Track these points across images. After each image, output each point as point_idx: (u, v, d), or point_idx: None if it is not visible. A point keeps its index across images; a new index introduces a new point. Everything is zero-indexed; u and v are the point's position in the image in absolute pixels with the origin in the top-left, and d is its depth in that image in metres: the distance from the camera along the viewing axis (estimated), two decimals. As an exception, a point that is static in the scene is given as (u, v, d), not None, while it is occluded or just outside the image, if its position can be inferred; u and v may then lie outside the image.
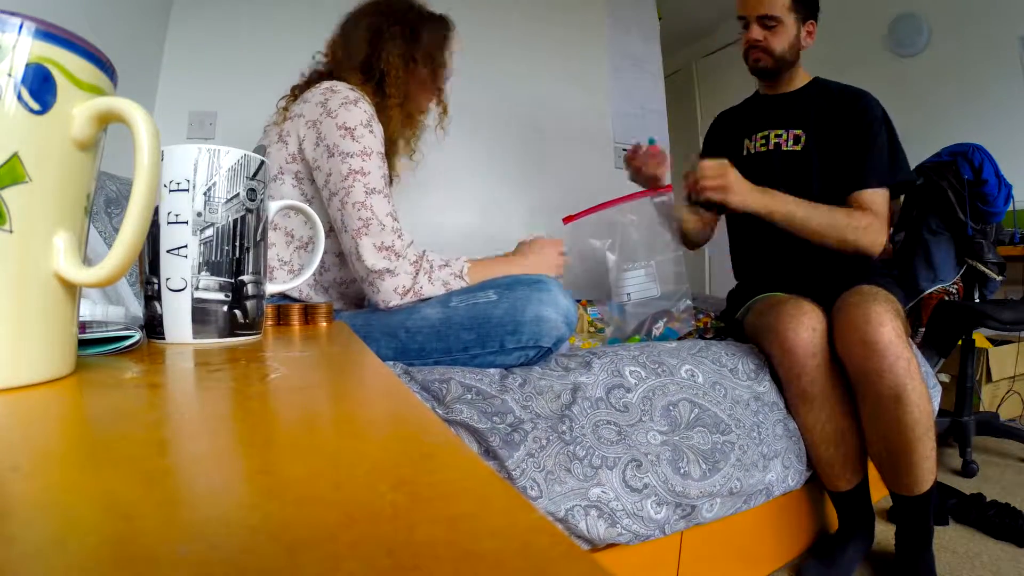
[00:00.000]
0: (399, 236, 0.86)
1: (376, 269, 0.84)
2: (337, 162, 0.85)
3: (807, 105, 1.26)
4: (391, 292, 0.85)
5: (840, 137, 1.21)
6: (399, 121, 1.00)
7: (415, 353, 0.85)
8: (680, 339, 1.20)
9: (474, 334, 0.82)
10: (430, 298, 0.87)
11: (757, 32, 1.24)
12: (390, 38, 0.98)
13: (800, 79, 1.30)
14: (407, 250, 0.86)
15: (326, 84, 0.91)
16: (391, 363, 0.82)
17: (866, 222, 1.14)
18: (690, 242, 1.43)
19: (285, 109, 0.97)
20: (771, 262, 1.29)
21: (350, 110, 0.87)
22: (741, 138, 1.36)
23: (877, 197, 1.16)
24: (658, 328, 1.22)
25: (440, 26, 1.05)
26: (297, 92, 0.99)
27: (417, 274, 0.86)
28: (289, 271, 0.93)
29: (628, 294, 1.23)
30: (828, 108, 1.23)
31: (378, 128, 0.89)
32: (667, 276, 1.26)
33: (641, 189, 1.28)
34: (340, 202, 0.85)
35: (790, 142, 1.26)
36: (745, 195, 1.14)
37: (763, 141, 1.30)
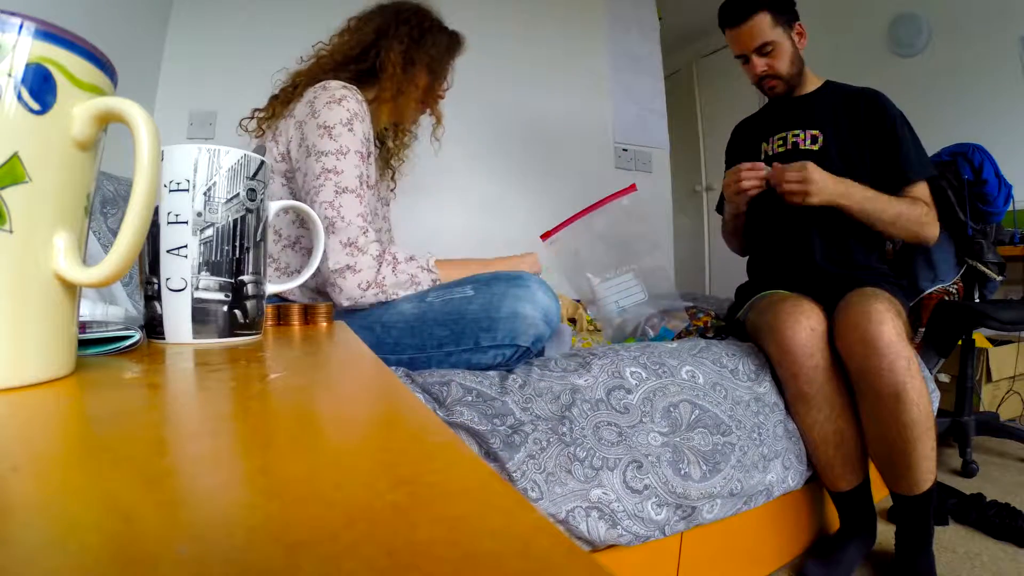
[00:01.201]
0: (364, 233, 0.84)
1: (338, 267, 0.82)
2: (312, 161, 0.85)
3: (823, 106, 1.27)
4: (354, 288, 0.82)
5: (860, 137, 1.21)
6: (386, 122, 1.00)
7: (390, 348, 0.84)
8: (678, 338, 1.20)
9: (448, 330, 0.81)
10: (396, 296, 0.85)
11: (760, 64, 1.26)
12: (395, 36, 0.97)
13: (811, 82, 1.31)
14: (370, 246, 0.84)
15: (320, 82, 0.90)
16: (392, 367, 0.82)
17: (926, 213, 1.16)
18: (739, 245, 1.44)
19: (264, 123, 0.98)
20: (778, 260, 1.29)
21: (332, 108, 0.86)
22: (759, 142, 1.36)
23: (925, 189, 1.19)
24: (653, 328, 1.22)
25: (449, 38, 1.05)
26: (283, 96, 0.98)
27: (380, 267, 0.84)
28: (276, 269, 0.93)
29: (616, 302, 1.23)
30: (844, 109, 1.24)
31: (361, 126, 0.88)
32: (656, 277, 1.25)
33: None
34: (311, 201, 0.84)
35: (807, 141, 1.26)
36: (824, 192, 1.11)
37: (780, 142, 1.31)
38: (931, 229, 1.17)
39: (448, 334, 0.81)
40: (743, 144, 1.43)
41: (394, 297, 0.86)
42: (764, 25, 1.22)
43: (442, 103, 1.11)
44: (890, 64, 2.65)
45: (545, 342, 0.86)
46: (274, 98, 1.00)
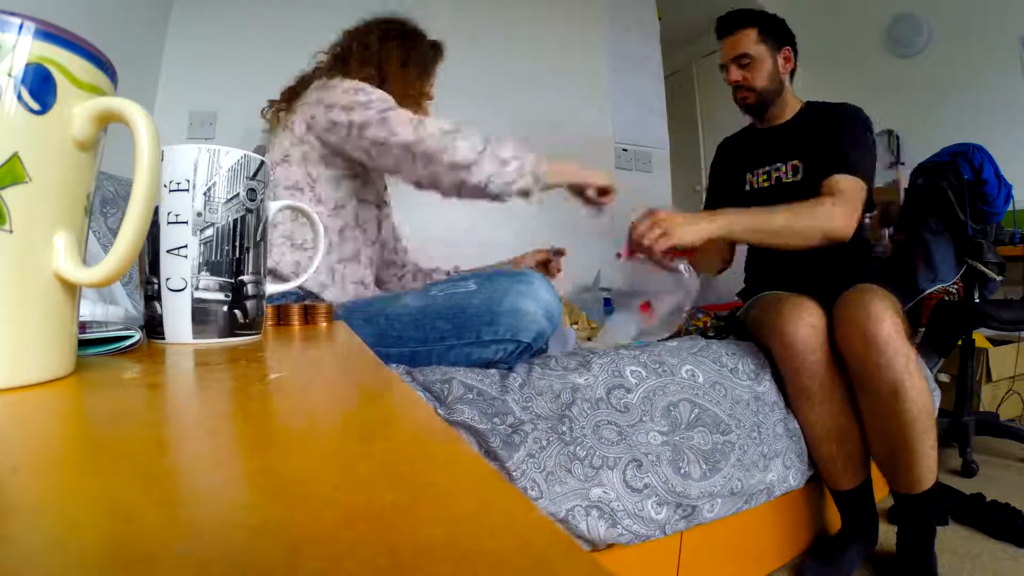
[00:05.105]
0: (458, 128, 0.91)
1: (447, 131, 0.89)
2: (361, 111, 0.90)
3: (801, 133, 1.28)
4: (467, 150, 0.88)
5: (831, 147, 1.22)
6: None
7: (393, 341, 0.84)
8: (677, 336, 1.20)
9: (451, 324, 0.81)
10: (507, 161, 0.90)
11: (735, 73, 1.29)
12: (389, 48, 1.06)
13: (791, 108, 1.32)
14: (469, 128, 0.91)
15: (323, 79, 0.99)
16: (392, 365, 0.82)
17: (829, 205, 1.10)
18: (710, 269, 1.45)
19: (280, 112, 1.04)
20: (775, 264, 1.30)
21: (352, 82, 0.94)
22: (743, 172, 1.38)
23: (848, 182, 1.13)
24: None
25: (434, 47, 1.16)
26: (290, 93, 1.05)
27: (488, 142, 0.90)
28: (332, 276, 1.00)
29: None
30: (820, 129, 1.25)
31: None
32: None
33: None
34: (387, 131, 0.89)
35: (789, 174, 1.28)
36: (694, 227, 1.04)
37: (765, 176, 1.33)
38: (836, 222, 1.09)
39: (451, 328, 0.82)
40: (728, 169, 1.44)
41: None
42: (749, 39, 1.26)
43: (438, 105, 1.15)
44: (890, 64, 2.64)
45: (547, 338, 0.86)
46: (289, 90, 1.06)
